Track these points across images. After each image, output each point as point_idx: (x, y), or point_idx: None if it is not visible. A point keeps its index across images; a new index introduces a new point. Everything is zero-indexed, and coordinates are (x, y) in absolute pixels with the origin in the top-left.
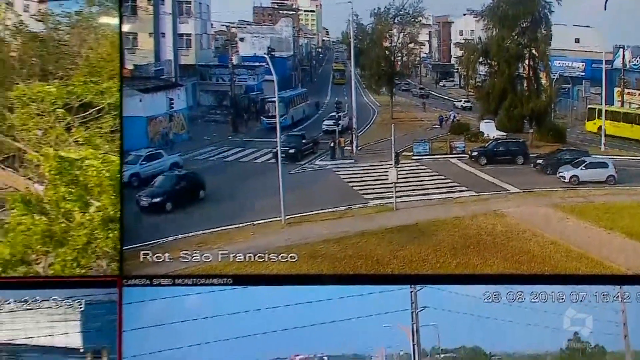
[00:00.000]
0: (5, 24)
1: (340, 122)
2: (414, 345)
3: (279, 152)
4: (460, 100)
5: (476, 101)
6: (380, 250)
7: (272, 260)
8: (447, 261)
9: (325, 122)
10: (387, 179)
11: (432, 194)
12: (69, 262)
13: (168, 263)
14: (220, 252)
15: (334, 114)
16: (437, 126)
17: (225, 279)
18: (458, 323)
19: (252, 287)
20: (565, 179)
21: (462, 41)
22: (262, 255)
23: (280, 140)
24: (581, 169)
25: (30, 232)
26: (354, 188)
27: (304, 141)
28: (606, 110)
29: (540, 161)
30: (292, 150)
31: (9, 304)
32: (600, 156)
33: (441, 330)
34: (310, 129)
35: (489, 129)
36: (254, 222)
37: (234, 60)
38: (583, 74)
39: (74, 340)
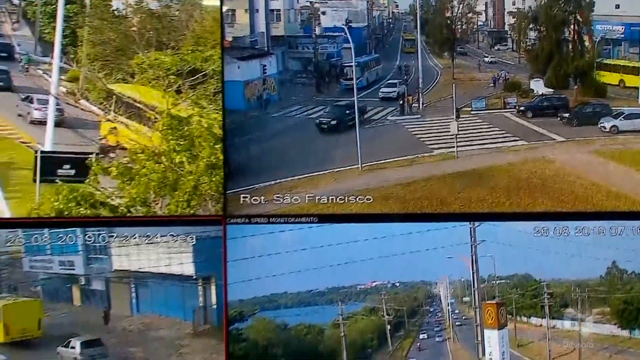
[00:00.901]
0: (128, 3)
1: (396, 89)
2: (473, 273)
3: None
4: (487, 56)
5: (526, 62)
6: (443, 193)
7: (351, 201)
8: (501, 201)
9: (383, 90)
10: (449, 131)
11: (489, 143)
12: (182, 204)
13: (264, 204)
14: (307, 195)
15: (391, 81)
16: (491, 85)
17: (312, 218)
18: (511, 254)
19: (334, 224)
20: (605, 128)
21: (514, 10)
22: (343, 197)
23: (325, 111)
24: (620, 119)
25: (149, 179)
26: (421, 139)
27: (347, 112)
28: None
29: (566, 115)
30: (333, 122)
31: (134, 238)
32: (636, 108)
33: (497, 261)
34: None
35: (538, 87)
36: (335, 170)
37: (317, 31)
38: (622, 36)
39: (188, 269)
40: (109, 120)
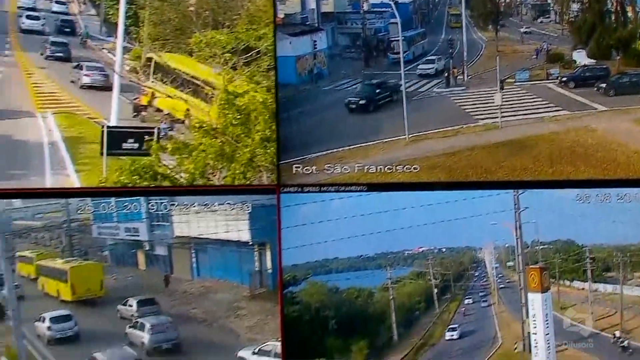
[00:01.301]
0: None
1: (434, 65)
2: (517, 239)
3: (403, 83)
4: (522, 27)
5: (569, 34)
6: (488, 162)
7: (398, 171)
8: (544, 169)
9: (421, 67)
10: (493, 102)
11: (532, 113)
12: (238, 174)
13: (315, 174)
14: (357, 165)
15: (430, 58)
16: (534, 57)
17: (361, 187)
18: (554, 221)
19: (382, 192)
20: None
21: None
22: (390, 167)
23: (355, 90)
24: None
25: (207, 153)
26: (466, 110)
27: (377, 91)
28: None
29: (603, 85)
30: (362, 102)
31: (194, 207)
32: None
33: (540, 227)
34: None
35: (581, 57)
36: (383, 140)
37: (365, 7)
38: None
39: (244, 235)
40: (146, 86)
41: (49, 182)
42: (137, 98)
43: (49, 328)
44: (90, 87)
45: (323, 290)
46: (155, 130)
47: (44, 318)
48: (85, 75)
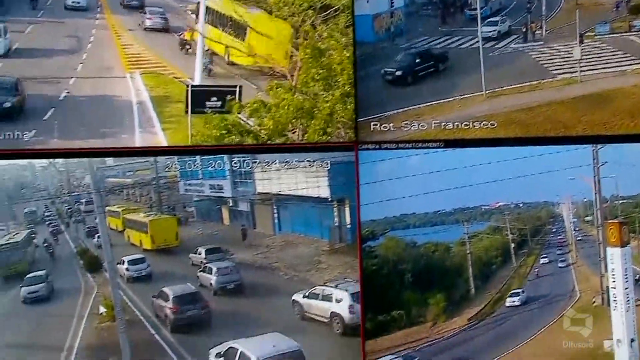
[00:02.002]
0: None
1: (497, 27)
2: (595, 193)
3: (480, 40)
4: None
5: None
6: (566, 116)
7: (475, 127)
8: (624, 123)
9: (484, 29)
10: (573, 56)
11: (613, 67)
12: (318, 131)
13: (392, 131)
14: (434, 121)
15: (493, 19)
16: (615, 9)
17: (438, 143)
18: (634, 175)
19: (459, 149)
20: None
21: None
22: (467, 123)
23: (395, 59)
24: None
25: (288, 108)
26: (544, 65)
27: (417, 60)
28: None
29: None
30: (398, 73)
31: (275, 164)
32: None
33: (619, 182)
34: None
35: None
36: (460, 97)
37: None
38: None
39: (324, 191)
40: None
41: (138, 140)
42: (181, 34)
43: (127, 269)
44: (152, 30)
45: (401, 245)
46: (237, 89)
47: (124, 261)
48: (147, 18)
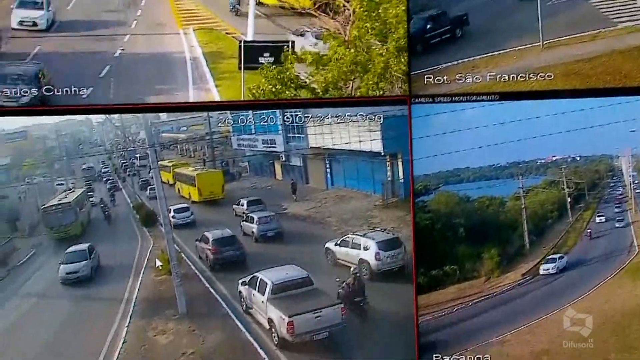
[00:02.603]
0: None
1: None
2: None
3: None
4: None
5: None
6: (627, 66)
7: (531, 79)
8: None
9: None
10: (635, 4)
11: None
12: (371, 85)
13: (447, 84)
14: (489, 74)
15: None
16: None
17: (493, 96)
18: None
19: (515, 101)
20: None
21: None
22: (524, 75)
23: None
24: None
25: (342, 62)
26: (605, 13)
27: (429, 26)
28: None
29: None
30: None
31: (328, 118)
32: None
33: None
34: None
35: None
36: (517, 48)
37: None
38: None
39: (377, 146)
40: None
41: (192, 96)
42: None
43: (173, 217)
44: None
45: (454, 200)
46: (290, 43)
47: (170, 209)
48: None
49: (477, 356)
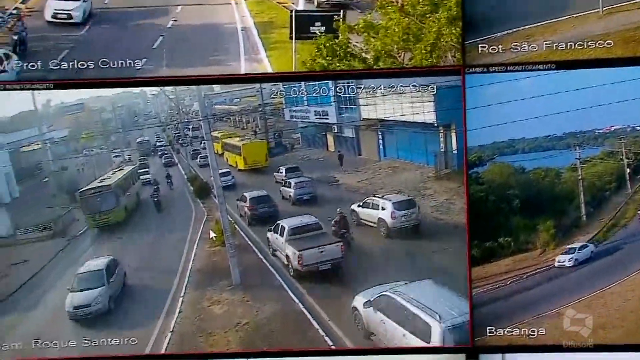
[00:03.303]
0: None
1: None
2: None
3: None
4: None
5: None
6: None
7: (589, 47)
8: None
9: None
10: None
11: None
12: (424, 55)
13: (501, 53)
14: (545, 42)
15: None
16: None
17: (549, 65)
18: None
19: (572, 70)
20: None
21: None
22: (582, 43)
23: None
24: None
25: (394, 31)
26: None
27: None
28: None
29: None
30: None
31: (380, 89)
32: None
33: None
34: None
35: None
36: (574, 15)
37: None
38: None
39: (430, 117)
40: None
41: (244, 67)
42: None
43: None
44: None
45: (509, 171)
46: (341, 13)
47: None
48: None
49: (532, 329)
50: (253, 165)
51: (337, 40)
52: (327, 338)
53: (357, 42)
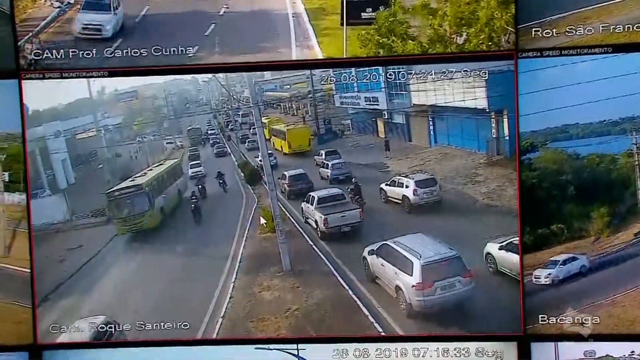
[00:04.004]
0: None
1: None
2: None
3: None
4: None
5: None
6: None
7: None
8: None
9: None
10: None
11: None
12: (475, 39)
13: (555, 37)
14: (601, 25)
15: None
16: None
17: (606, 48)
18: None
19: (630, 53)
20: None
21: None
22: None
23: None
24: None
25: (446, 15)
26: None
27: None
28: None
29: None
30: None
31: (431, 75)
32: None
33: None
34: None
35: None
36: None
37: None
38: None
39: (481, 102)
40: None
41: (295, 53)
42: None
43: (260, 160)
44: None
45: (562, 157)
46: None
47: (258, 156)
48: None
49: (586, 317)
50: (297, 150)
51: (397, 17)
52: (376, 324)
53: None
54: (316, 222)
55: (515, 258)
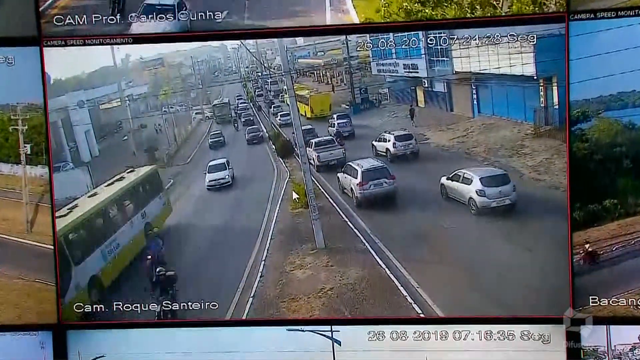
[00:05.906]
0: None
1: None
2: None
3: None
4: None
5: None
6: None
7: None
8: None
9: None
10: None
11: None
12: (524, 1)
13: None
14: None
15: None
16: None
17: None
18: None
19: None
20: None
21: None
22: None
23: None
24: None
25: None
26: None
27: None
28: None
29: None
30: None
31: (474, 40)
32: None
33: None
34: None
35: None
36: None
37: None
38: None
39: (529, 69)
40: None
41: (329, 18)
42: None
43: (279, 119)
44: None
45: (617, 127)
46: None
47: (277, 114)
48: None
49: None
50: (319, 114)
51: None
52: (415, 305)
53: None
54: (352, 190)
55: (454, 185)
